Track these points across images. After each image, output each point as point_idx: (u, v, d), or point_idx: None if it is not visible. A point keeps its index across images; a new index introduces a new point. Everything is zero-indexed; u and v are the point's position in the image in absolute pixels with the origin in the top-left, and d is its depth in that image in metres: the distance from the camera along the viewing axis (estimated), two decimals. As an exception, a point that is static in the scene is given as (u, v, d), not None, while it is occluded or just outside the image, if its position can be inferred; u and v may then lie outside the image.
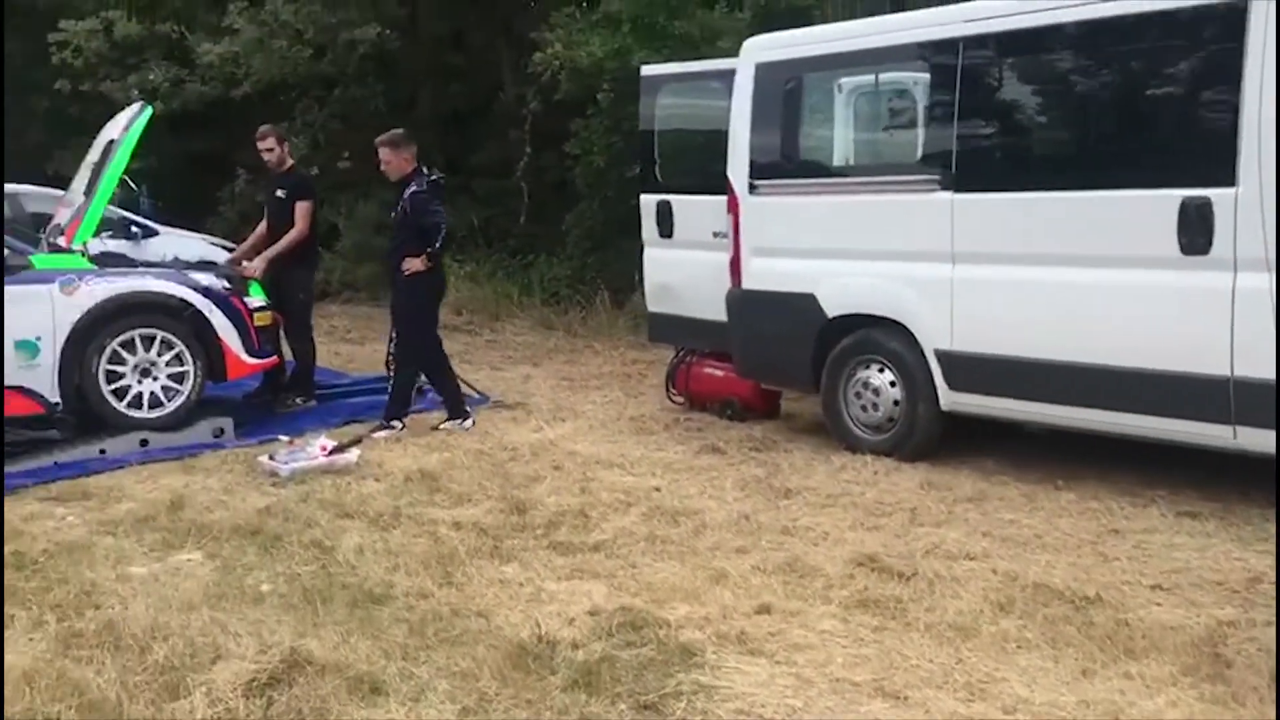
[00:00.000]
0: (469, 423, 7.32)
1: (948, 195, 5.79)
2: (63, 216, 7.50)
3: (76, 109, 16.14)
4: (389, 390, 7.39)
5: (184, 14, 15.60)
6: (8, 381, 6.61)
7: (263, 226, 8.30)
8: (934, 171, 5.87)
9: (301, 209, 7.94)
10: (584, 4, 13.09)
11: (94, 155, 7.44)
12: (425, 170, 7.28)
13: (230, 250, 13.34)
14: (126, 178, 15.38)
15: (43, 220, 11.80)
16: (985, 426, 6.13)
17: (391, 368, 7.43)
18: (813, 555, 4.73)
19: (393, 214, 7.31)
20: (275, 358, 7.71)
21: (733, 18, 11.72)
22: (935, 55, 5.84)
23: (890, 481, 5.83)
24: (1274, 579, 4.25)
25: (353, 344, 11.56)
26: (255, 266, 7.81)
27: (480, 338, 12.08)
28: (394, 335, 7.40)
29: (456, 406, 7.42)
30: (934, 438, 6.16)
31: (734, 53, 10.53)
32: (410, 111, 16.45)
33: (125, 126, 7.21)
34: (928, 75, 5.94)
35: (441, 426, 7.28)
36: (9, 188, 12.13)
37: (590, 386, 8.91)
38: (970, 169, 5.71)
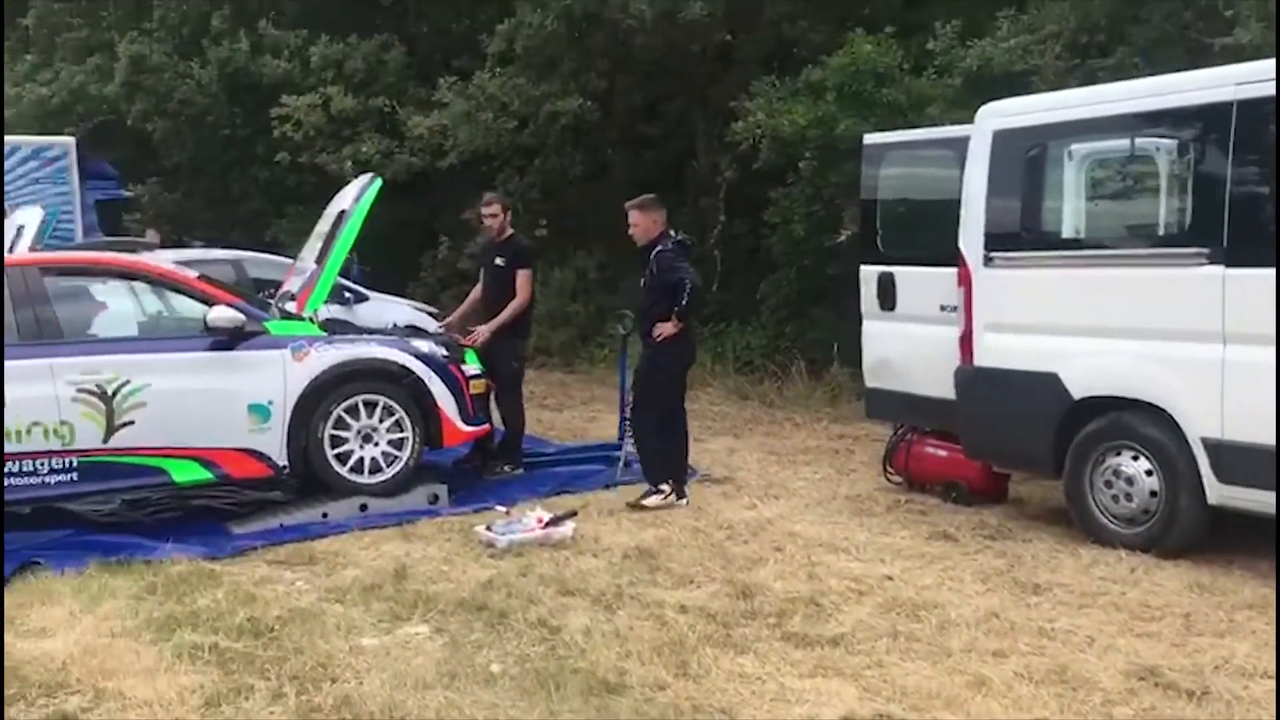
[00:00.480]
0: (684, 501, 7.14)
1: (1219, 270, 5.33)
2: (293, 284, 7.72)
3: (293, 179, 16.96)
4: (639, 460, 7.36)
5: (395, 89, 16.21)
6: (240, 444, 6.77)
7: (477, 292, 8.39)
8: (1202, 244, 5.42)
9: (523, 277, 7.98)
10: (779, 72, 12.98)
11: (324, 225, 7.66)
12: (673, 232, 7.25)
13: (434, 315, 13.75)
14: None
15: (264, 285, 12.38)
16: (1255, 521, 5.57)
17: (628, 435, 7.29)
18: (1082, 664, 4.32)
19: (641, 279, 7.26)
20: (487, 425, 7.72)
21: (942, 84, 11.40)
22: (1206, 120, 5.42)
23: (1152, 581, 5.34)
24: None
25: (551, 410, 11.57)
26: (480, 335, 7.86)
27: (675, 406, 11.93)
28: (631, 401, 7.28)
29: (679, 483, 7.23)
30: (1198, 534, 5.64)
31: (944, 120, 10.31)
32: (603, 180, 16.68)
33: (356, 198, 7.40)
34: (1197, 141, 5.52)
35: (648, 502, 7.08)
36: (234, 254, 12.76)
37: (798, 461, 8.62)
38: (1246, 242, 5.25)
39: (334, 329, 7.26)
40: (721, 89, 14.98)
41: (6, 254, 14.17)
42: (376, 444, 7.07)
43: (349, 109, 15.69)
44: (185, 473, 6.69)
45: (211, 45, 17.02)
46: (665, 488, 7.12)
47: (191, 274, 7.08)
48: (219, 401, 6.71)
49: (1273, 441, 5.17)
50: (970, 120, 6.65)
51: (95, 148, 19.59)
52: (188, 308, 6.93)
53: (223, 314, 6.69)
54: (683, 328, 7.03)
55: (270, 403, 6.82)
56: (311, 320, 7.11)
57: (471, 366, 7.56)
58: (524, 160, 15.63)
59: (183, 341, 6.78)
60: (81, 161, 17.91)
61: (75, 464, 6.46)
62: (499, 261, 8.04)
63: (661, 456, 7.20)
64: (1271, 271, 5.15)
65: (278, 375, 6.83)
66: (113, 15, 19.42)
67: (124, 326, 6.92)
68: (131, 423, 6.53)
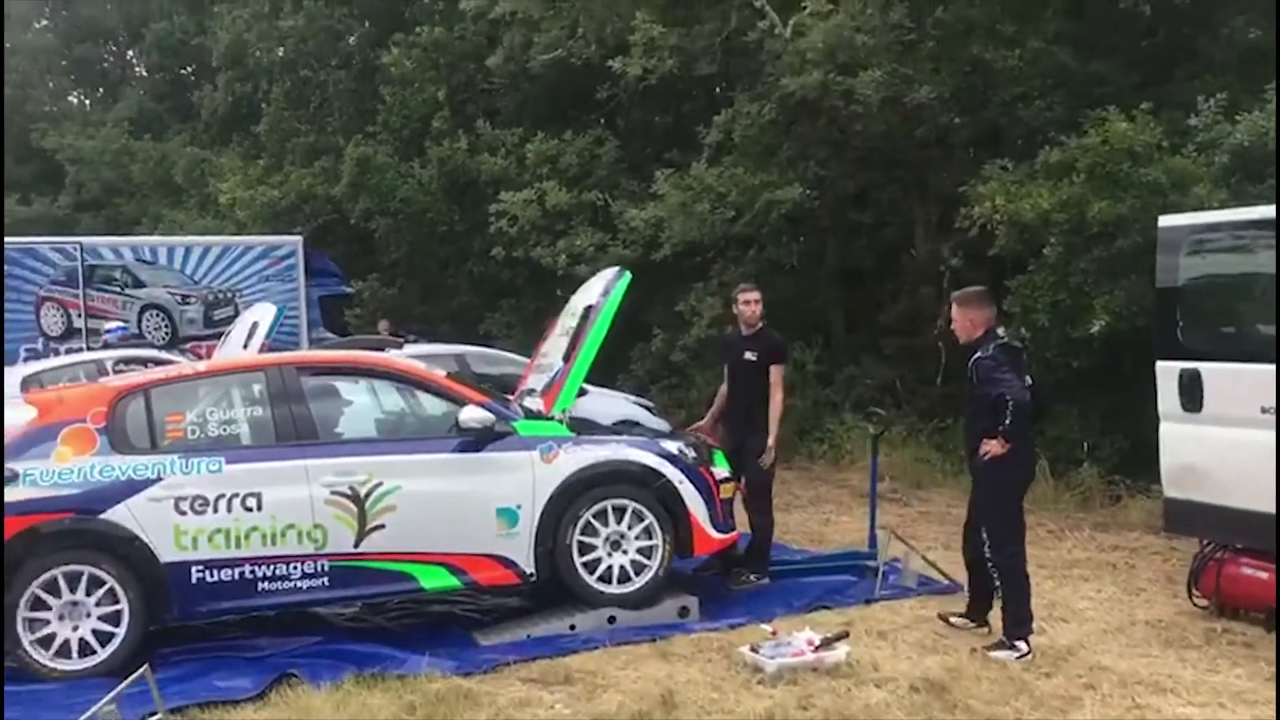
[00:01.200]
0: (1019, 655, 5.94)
1: None
2: (536, 381, 7.48)
3: (507, 273, 17.13)
4: (1002, 602, 6.15)
5: (607, 183, 16.24)
6: (488, 549, 6.48)
7: (724, 390, 7.97)
8: None
9: (778, 373, 7.54)
10: (1005, 154, 12.32)
11: (570, 321, 7.41)
12: (999, 334, 6.39)
13: (649, 409, 13.46)
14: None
15: (484, 380, 12.33)
16: None
17: (991, 569, 6.20)
18: None
19: (964, 385, 6.50)
20: (737, 532, 7.23)
21: (1202, 161, 10.53)
22: None
23: None
24: None
25: (779, 510, 10.88)
26: (768, 454, 7.44)
27: (911, 508, 11.19)
28: (984, 531, 6.21)
29: (1018, 623, 6.06)
30: None
31: (1211, 202, 9.44)
32: (817, 269, 16.22)
33: (604, 292, 7.13)
34: None
35: (998, 655, 5.95)
36: (458, 348, 12.80)
37: (1073, 576, 7.79)
38: None
39: (581, 429, 6.95)
40: (941, 174, 14.42)
41: (241, 350, 14.75)
42: (625, 551, 6.67)
43: (563, 203, 15.75)
44: (434, 579, 6.43)
45: (432, 145, 17.47)
46: (1023, 646, 5.96)
47: (440, 373, 6.91)
48: (468, 505, 6.46)
49: None
50: (1237, 201, 5.87)
51: (318, 245, 20.43)
52: (435, 407, 6.74)
53: (475, 414, 6.46)
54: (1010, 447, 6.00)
55: (519, 506, 6.51)
56: (559, 420, 6.82)
57: (721, 469, 7.12)
58: (738, 250, 15.33)
59: (431, 442, 6.57)
60: (307, 259, 18.66)
61: (326, 568, 6.28)
62: (750, 356, 7.61)
63: (1015, 599, 6.06)
64: None
65: (527, 478, 6.53)
66: (338, 120, 20.31)
67: (374, 426, 6.77)
68: (382, 526, 6.33)
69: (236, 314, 17.47)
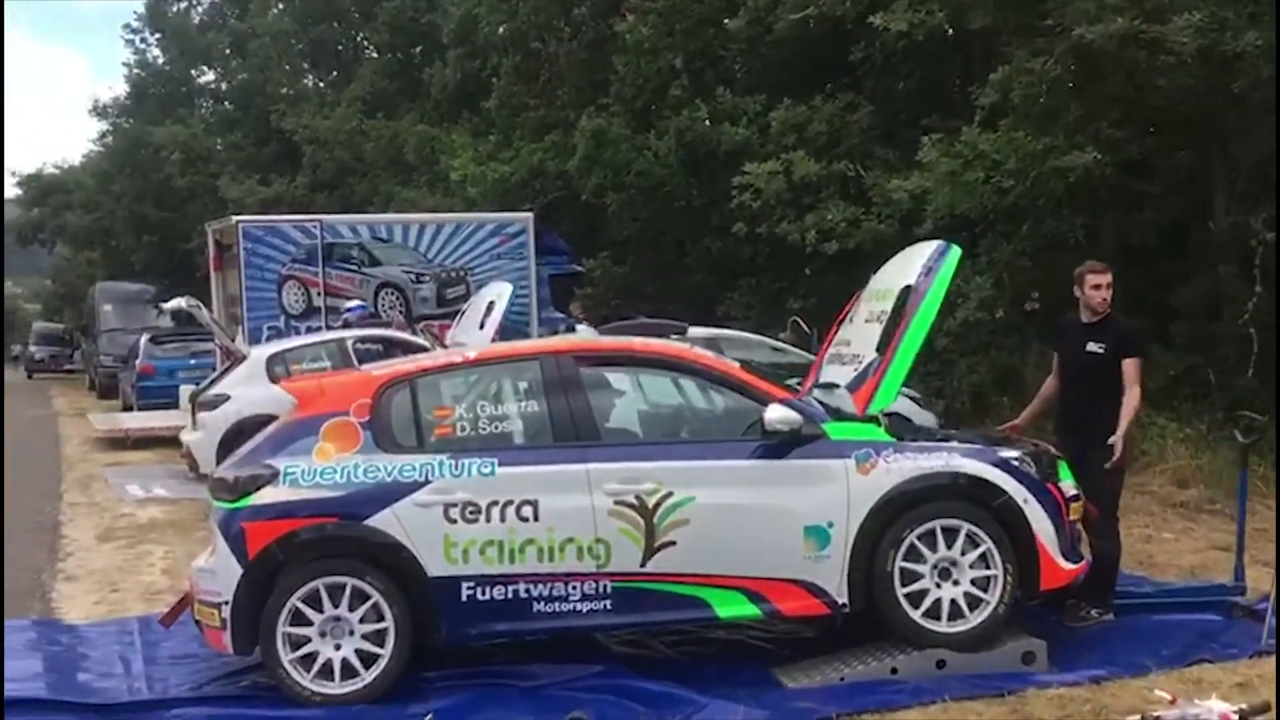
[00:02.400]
0: None
1: None
2: (835, 374, 6.41)
3: (747, 251, 16.13)
4: None
5: (859, 152, 15.01)
6: (793, 574, 5.49)
7: (1052, 386, 6.72)
8: None
9: (1133, 369, 6.25)
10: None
11: (878, 304, 6.32)
12: None
13: (914, 399, 12.18)
14: (799, 320, 15.23)
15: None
16: None
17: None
18: None
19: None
20: (1085, 562, 6.00)
21: None
22: None
23: None
24: None
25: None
26: (1119, 447, 6.16)
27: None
28: None
29: None
30: None
31: None
32: (1093, 246, 14.51)
33: (926, 270, 6.00)
34: None
35: None
36: (711, 331, 11.87)
37: None
38: None
39: (903, 432, 5.86)
40: (1250, 135, 12.54)
41: (477, 330, 14.28)
42: (957, 582, 5.56)
43: (811, 174, 14.59)
44: (730, 606, 5.49)
45: (670, 115, 16.59)
46: None
47: (734, 364, 5.94)
48: (772, 521, 5.48)
49: None
50: None
51: (546, 223, 19.93)
52: (731, 404, 5.79)
53: (782, 414, 5.46)
54: None
55: (830, 525, 5.49)
56: (877, 423, 5.75)
57: (1068, 484, 5.90)
58: (1009, 225, 13.83)
59: (728, 446, 5.62)
60: (537, 236, 18.15)
61: (609, 589, 5.41)
62: (1095, 348, 6.32)
63: None
64: None
65: (840, 491, 5.50)
66: (568, 93, 19.72)
67: (663, 427, 5.89)
68: (673, 543, 5.42)
69: (468, 293, 17.13)
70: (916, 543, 5.52)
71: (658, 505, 5.40)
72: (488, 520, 5.33)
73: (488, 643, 5.49)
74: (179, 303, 12.82)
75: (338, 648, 5.28)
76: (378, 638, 5.28)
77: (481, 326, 14.29)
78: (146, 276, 31.27)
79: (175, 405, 16.82)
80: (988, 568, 5.55)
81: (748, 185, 14.87)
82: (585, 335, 12.74)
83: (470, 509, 5.33)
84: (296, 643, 5.25)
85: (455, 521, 5.32)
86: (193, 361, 19.68)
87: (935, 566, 5.54)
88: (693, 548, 5.43)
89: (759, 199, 14.87)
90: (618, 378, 5.87)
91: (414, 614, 5.30)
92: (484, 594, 5.33)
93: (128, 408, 20.94)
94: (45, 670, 5.66)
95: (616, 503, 5.39)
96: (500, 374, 5.78)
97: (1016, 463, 5.68)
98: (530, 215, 17.96)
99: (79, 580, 7.90)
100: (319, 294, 16.74)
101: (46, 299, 58.03)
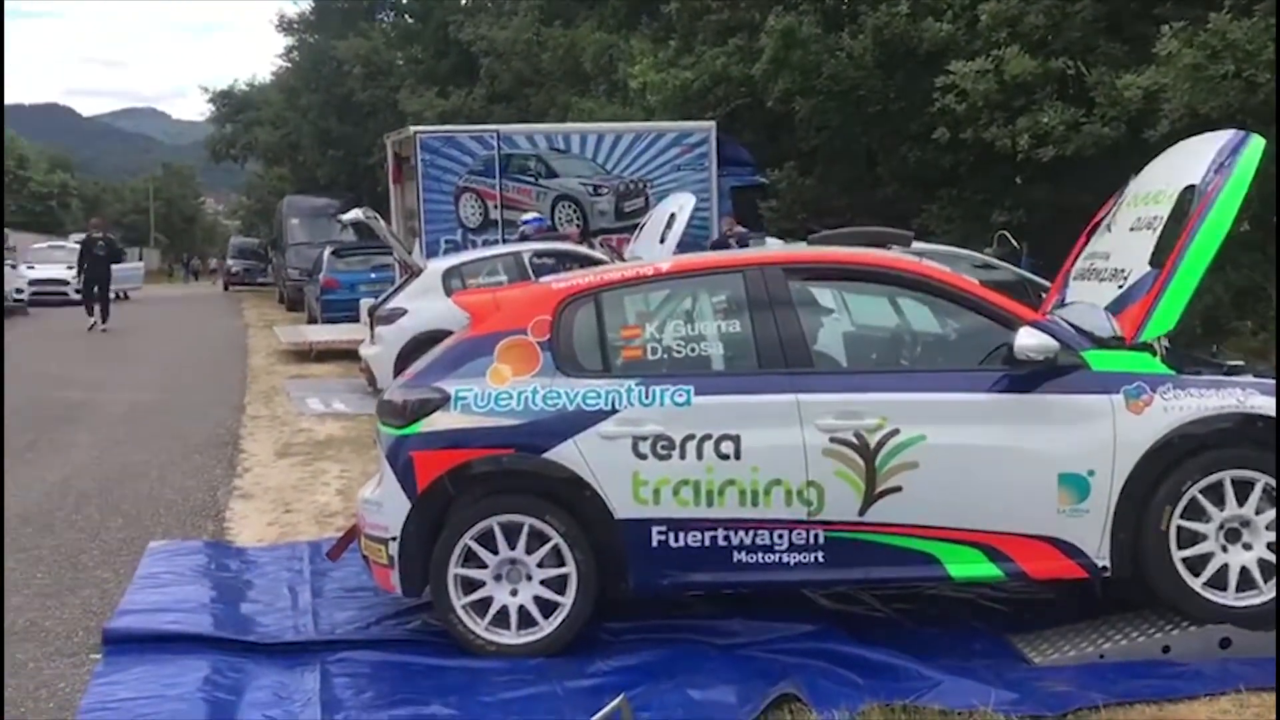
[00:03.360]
0: None
1: None
2: (1089, 293, 5.40)
3: (949, 159, 14.87)
4: None
5: (1081, 46, 13.48)
6: (1042, 530, 4.62)
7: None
8: None
9: None
10: None
11: (1145, 209, 5.26)
12: None
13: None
14: (1007, 234, 13.95)
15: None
16: None
17: None
18: None
19: None
20: None
21: None
22: None
23: None
24: None
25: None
26: None
27: None
28: None
29: None
30: None
31: None
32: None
33: (1217, 167, 4.91)
34: None
35: None
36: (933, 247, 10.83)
37: None
38: None
39: (1182, 363, 4.85)
40: None
41: (657, 244, 13.56)
42: (1249, 546, 4.58)
43: (1025, 72, 13.20)
44: (965, 565, 4.66)
45: (868, 11, 15.31)
46: None
47: (973, 280, 5.01)
48: (1018, 467, 4.60)
49: None
50: None
51: (733, 132, 18.95)
52: (969, 327, 4.90)
53: (1035, 340, 4.55)
54: None
55: (1091, 473, 4.57)
56: (1151, 351, 4.76)
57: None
58: (1260, 126, 12.18)
59: (966, 376, 4.74)
60: (719, 146, 17.23)
61: (822, 540, 4.65)
62: None
63: None
64: None
65: (1104, 433, 4.57)
66: (753, -6, 18.57)
67: (887, 352, 5.05)
68: (897, 489, 4.61)
69: (647, 205, 16.41)
70: (1199, 497, 4.56)
71: (881, 444, 4.59)
72: (682, 457, 4.62)
73: (681, 594, 4.81)
74: (356, 214, 12.49)
75: (514, 593, 4.70)
76: (558, 584, 4.67)
77: (662, 240, 13.58)
78: (332, 190, 31.71)
79: (357, 319, 16.78)
80: (1287, 530, 4.56)
81: (952, 86, 13.59)
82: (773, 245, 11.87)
83: (662, 443, 4.63)
84: (469, 586, 4.69)
85: (645, 457, 4.63)
86: (373, 275, 19.65)
87: (1222, 527, 4.58)
88: (922, 495, 4.61)
89: (964, 101, 13.58)
90: (834, 295, 5.04)
91: (598, 559, 4.66)
92: (677, 540, 4.65)
93: (312, 320, 21.17)
94: (211, 601, 5.29)
95: (832, 440, 4.60)
96: (697, 288, 5.02)
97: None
98: (712, 125, 17.06)
99: (254, 498, 7.63)
100: (496, 206, 16.32)
101: (244, 214, 60.31)
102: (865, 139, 16.42)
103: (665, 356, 4.81)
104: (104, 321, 20.55)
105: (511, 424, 4.66)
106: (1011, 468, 4.61)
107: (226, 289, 39.46)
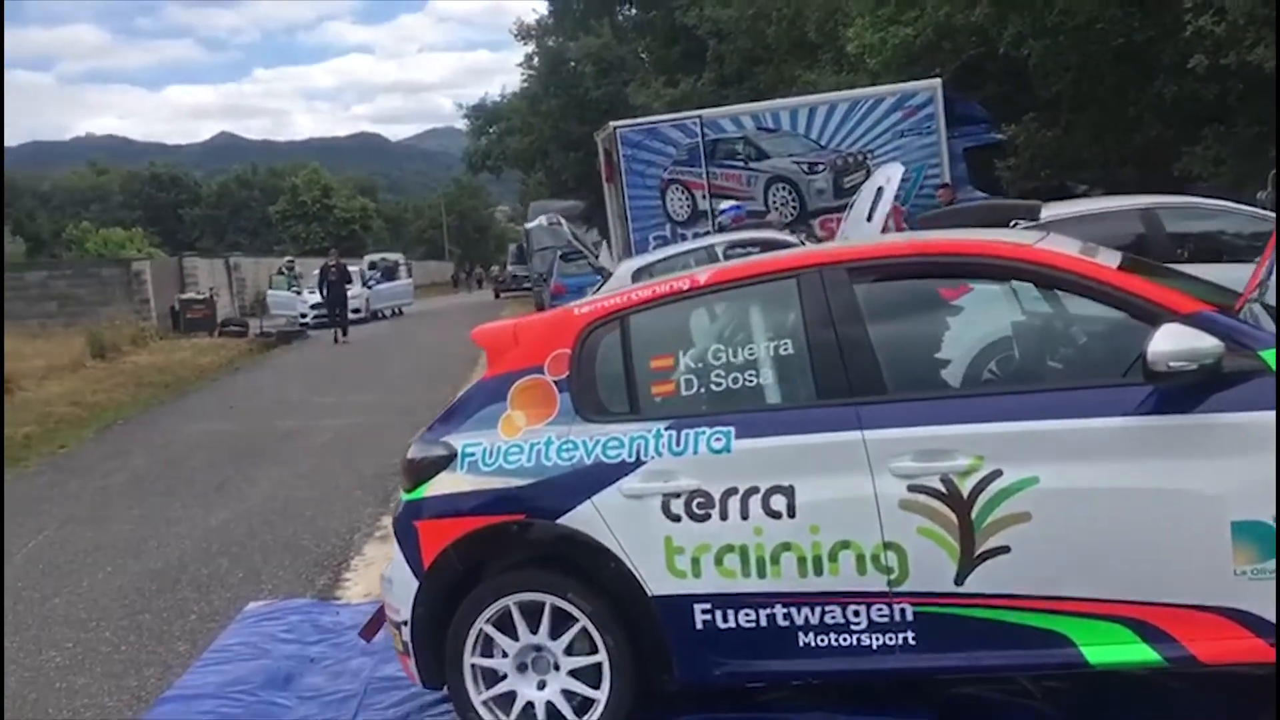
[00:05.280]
0: None
1: None
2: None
3: (1212, 90, 12.77)
4: None
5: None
6: (1214, 599, 3.39)
7: None
8: None
9: None
10: None
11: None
12: None
13: None
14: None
15: (1186, 244, 8.67)
16: None
17: None
18: None
19: None
20: None
21: None
22: None
23: None
24: None
25: None
26: None
27: None
28: None
29: None
30: None
31: None
32: None
33: None
34: None
35: None
36: (1146, 200, 9.21)
37: None
38: None
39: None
40: None
41: (865, 222, 12.34)
42: None
43: (1297, -23, 11.05)
44: (1105, 646, 3.50)
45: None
46: None
47: (1110, 263, 3.77)
48: (1173, 515, 3.40)
49: None
50: None
51: (963, 89, 17.28)
52: (1101, 327, 3.71)
53: (1176, 342, 3.32)
54: None
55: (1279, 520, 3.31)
56: (1360, 344, 3.41)
57: None
58: None
59: (1095, 395, 3.55)
60: (949, 105, 15.68)
61: (909, 616, 3.62)
62: None
63: None
64: None
65: (1293, 461, 3.29)
66: (978, -69, 16.81)
67: (989, 369, 3.91)
68: (1004, 549, 3.51)
69: (869, 178, 15.20)
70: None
71: (977, 492, 3.51)
72: (724, 517, 3.72)
73: (740, 685, 3.89)
74: (540, 221, 12.09)
75: (542, 686, 3.94)
76: (592, 675, 3.88)
77: (869, 218, 12.39)
78: (579, 192, 31.90)
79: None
80: None
81: (1206, 4, 11.61)
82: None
83: (699, 500, 3.74)
84: (490, 678, 3.98)
85: (679, 518, 3.75)
86: (599, 278, 19.34)
87: None
88: (1038, 556, 3.50)
89: (1222, 20, 11.57)
90: (918, 297, 3.94)
91: (634, 645, 3.83)
92: (726, 620, 3.75)
93: (551, 326, 21.19)
94: (261, 685, 4.83)
95: (912, 489, 3.56)
96: (742, 302, 4.05)
97: None
98: (937, 82, 15.56)
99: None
100: (704, 196, 15.58)
101: (521, 221, 62.51)
102: (1112, 79, 14.42)
103: (703, 391, 3.90)
104: (344, 334, 23.54)
105: (521, 484, 3.90)
106: (1163, 516, 3.41)
107: (497, 296, 40.67)
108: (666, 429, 3.81)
